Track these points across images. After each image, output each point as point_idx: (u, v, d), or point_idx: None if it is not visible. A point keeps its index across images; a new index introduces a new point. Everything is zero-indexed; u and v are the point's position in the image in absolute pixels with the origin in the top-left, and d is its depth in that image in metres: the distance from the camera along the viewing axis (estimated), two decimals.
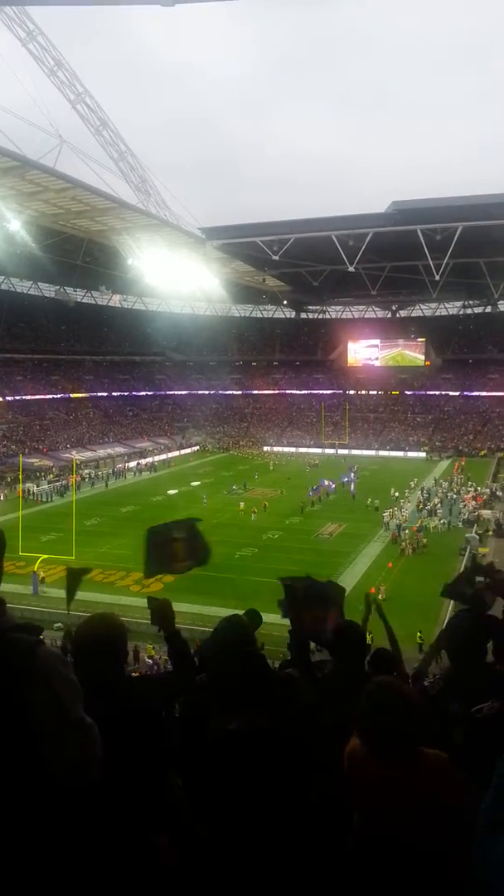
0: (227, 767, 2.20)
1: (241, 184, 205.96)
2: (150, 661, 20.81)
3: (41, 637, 1.86)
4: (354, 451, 70.71)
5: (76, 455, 60.08)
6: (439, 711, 2.61)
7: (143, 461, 63.79)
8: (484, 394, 78.25)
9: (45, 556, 29.72)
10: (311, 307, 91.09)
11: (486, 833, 1.39)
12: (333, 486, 48.92)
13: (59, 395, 73.50)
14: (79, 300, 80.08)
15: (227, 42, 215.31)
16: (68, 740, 1.68)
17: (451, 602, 24.01)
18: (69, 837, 1.73)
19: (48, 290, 75.83)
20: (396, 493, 46.03)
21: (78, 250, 56.14)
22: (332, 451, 71.41)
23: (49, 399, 72.04)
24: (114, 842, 1.90)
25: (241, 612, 3.84)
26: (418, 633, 20.18)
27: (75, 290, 78.14)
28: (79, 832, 1.77)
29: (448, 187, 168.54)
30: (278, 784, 2.17)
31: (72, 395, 74.86)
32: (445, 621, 21.59)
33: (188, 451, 73.37)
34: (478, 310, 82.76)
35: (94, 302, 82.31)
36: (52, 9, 47.72)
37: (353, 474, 50.90)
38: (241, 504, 43.45)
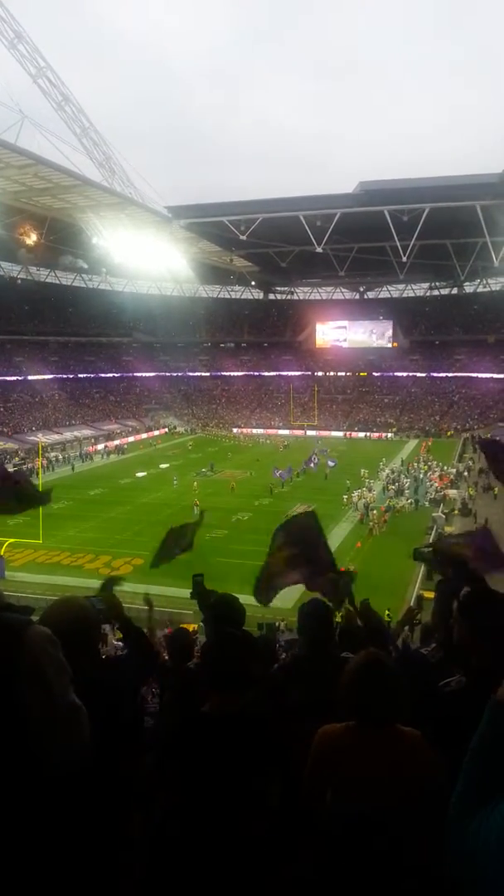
0: (196, 750, 2.20)
1: (210, 159, 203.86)
2: (120, 643, 20.77)
3: (32, 617, 1.84)
4: (323, 433, 71.15)
5: (42, 438, 59.26)
6: (441, 678, 2.65)
7: (110, 443, 63.23)
8: (450, 375, 79.22)
9: (12, 540, 29.36)
10: (279, 288, 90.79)
11: (460, 811, 1.39)
12: (286, 474, 45.19)
13: (23, 377, 72.17)
14: (43, 280, 78.58)
15: (196, 11, 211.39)
16: (56, 721, 1.67)
17: (419, 580, 24.47)
18: (49, 817, 1.72)
19: (11, 270, 74.18)
20: (384, 470, 46.46)
21: (41, 228, 54.94)
22: (300, 432, 71.86)
23: (13, 381, 70.71)
24: (89, 821, 1.89)
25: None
26: (386, 611, 20.51)
27: (39, 270, 76.59)
28: (58, 812, 1.76)
29: (420, 163, 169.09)
30: (248, 765, 2.17)
31: (37, 377, 73.56)
32: (413, 599, 21.93)
33: (157, 433, 72.95)
34: (444, 291, 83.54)
35: (58, 282, 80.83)
36: None
37: (316, 461, 50.54)
38: (195, 484, 43.53)
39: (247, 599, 3.84)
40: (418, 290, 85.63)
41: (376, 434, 70.67)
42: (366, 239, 54.82)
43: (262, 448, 62.64)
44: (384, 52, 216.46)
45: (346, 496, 39.56)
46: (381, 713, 2.11)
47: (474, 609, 2.51)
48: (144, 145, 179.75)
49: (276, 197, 49.35)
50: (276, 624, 20.36)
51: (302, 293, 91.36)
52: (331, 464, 48.29)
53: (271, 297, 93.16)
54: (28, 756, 1.64)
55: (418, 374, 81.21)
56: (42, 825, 1.69)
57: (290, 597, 24.07)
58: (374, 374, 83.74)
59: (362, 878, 2.00)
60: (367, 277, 78.24)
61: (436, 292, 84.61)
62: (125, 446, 63.31)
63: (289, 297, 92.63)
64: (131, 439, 67.15)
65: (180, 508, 37.08)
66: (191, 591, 4.19)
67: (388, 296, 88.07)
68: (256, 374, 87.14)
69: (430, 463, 49.63)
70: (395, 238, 47.67)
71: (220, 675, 2.32)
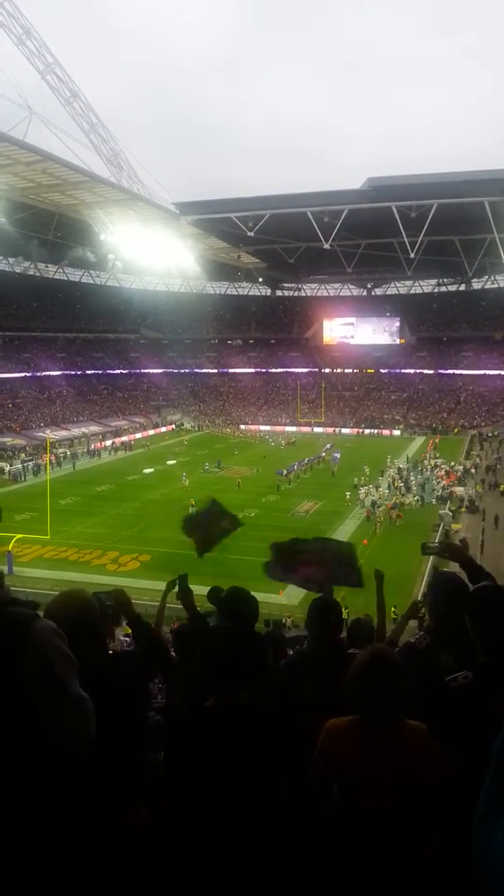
0: (200, 744, 2.21)
1: (217, 154, 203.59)
2: (127, 639, 20.81)
3: (37, 612, 1.86)
4: (329, 429, 71.05)
5: (50, 434, 59.34)
6: (430, 664, 2.65)
7: (117, 440, 63.27)
8: (458, 372, 78.89)
9: (20, 536, 29.48)
10: (286, 285, 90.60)
11: (485, 818, 1.38)
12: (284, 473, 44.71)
13: (32, 373, 72.32)
14: (51, 276, 78.63)
15: (202, 5, 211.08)
16: (63, 713, 1.70)
17: (425, 577, 24.42)
18: (52, 809, 1.74)
19: (20, 266, 74.27)
20: (391, 468, 46.75)
21: (49, 225, 55.04)
22: (308, 429, 71.81)
23: (22, 377, 70.90)
24: (91, 814, 1.91)
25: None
26: (392, 608, 20.47)
27: (47, 266, 76.65)
28: (61, 804, 1.77)
29: (427, 157, 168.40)
30: (253, 760, 2.18)
31: (45, 373, 73.69)
32: (420, 595, 21.90)
33: (164, 429, 72.99)
34: (452, 287, 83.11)
35: (66, 278, 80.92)
36: None
37: (334, 454, 50.56)
38: (187, 482, 43.46)
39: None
40: (426, 286, 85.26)
41: (369, 431, 70.51)
42: (373, 235, 54.53)
43: (268, 445, 62.58)
44: (391, 46, 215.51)
45: (349, 493, 39.49)
46: (387, 708, 2.12)
47: (483, 607, 2.52)
48: (151, 141, 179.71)
49: (284, 193, 49.18)
50: (283, 620, 20.38)
51: (309, 290, 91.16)
52: (336, 455, 49.20)
53: (279, 293, 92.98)
54: (35, 747, 1.66)
55: (426, 371, 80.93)
56: (47, 815, 1.71)
57: (297, 594, 24.07)
58: (382, 370, 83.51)
59: (369, 870, 2.02)
60: (374, 274, 77.99)
61: (443, 289, 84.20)
62: (132, 442, 63.33)
63: (296, 293, 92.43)
64: (139, 435, 67.18)
65: (187, 506, 37.12)
66: (176, 591, 4.17)
67: (396, 292, 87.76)
68: (264, 370, 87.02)
69: (437, 460, 49.52)
70: (403, 234, 47.42)
71: (215, 671, 2.33)
